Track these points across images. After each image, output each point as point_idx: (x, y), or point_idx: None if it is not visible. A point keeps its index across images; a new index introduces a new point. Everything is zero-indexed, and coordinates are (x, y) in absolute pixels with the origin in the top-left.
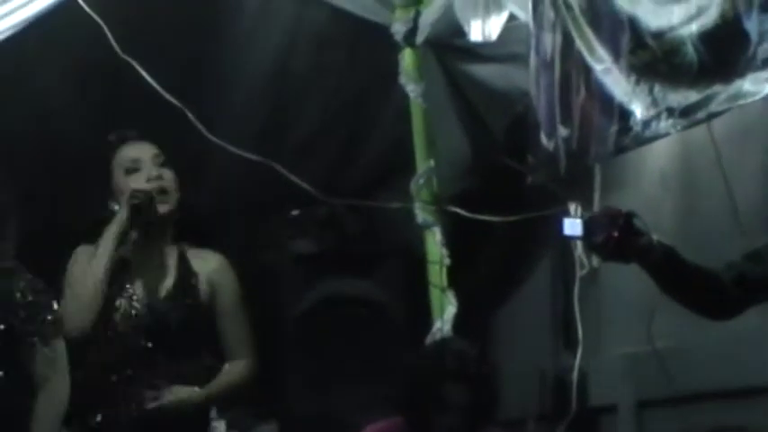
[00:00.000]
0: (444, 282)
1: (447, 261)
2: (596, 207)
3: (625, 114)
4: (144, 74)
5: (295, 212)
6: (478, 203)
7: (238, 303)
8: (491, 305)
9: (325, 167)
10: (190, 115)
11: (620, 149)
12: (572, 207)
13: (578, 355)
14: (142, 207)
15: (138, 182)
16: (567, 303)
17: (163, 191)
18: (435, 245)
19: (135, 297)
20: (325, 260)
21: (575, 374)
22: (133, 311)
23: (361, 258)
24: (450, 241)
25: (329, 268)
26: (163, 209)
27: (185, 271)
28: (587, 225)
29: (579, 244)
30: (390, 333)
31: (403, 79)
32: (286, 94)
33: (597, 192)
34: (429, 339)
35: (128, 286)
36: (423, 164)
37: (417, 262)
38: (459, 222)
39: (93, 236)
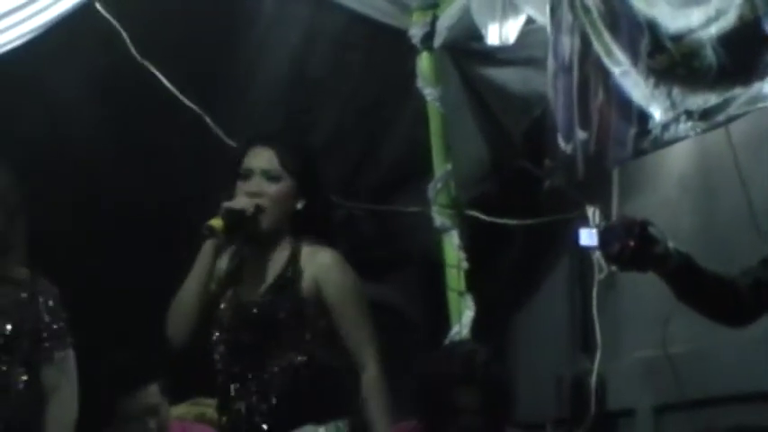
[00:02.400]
0: (462, 286)
1: (465, 265)
2: (614, 211)
3: (644, 117)
4: (162, 78)
5: None
6: (496, 207)
7: (349, 300)
8: (509, 309)
9: (341, 171)
10: (208, 120)
11: (639, 153)
12: (590, 211)
13: (597, 360)
14: (233, 226)
15: (245, 191)
16: (586, 307)
17: (259, 209)
18: (453, 249)
19: (237, 298)
20: None
21: (593, 378)
22: (233, 311)
23: (378, 263)
24: (468, 245)
25: None
26: (263, 223)
27: (290, 268)
28: (603, 235)
29: (597, 252)
30: (408, 338)
31: (420, 83)
32: (303, 99)
33: (615, 195)
34: (447, 342)
35: (234, 289)
36: (440, 168)
37: (435, 266)
38: (476, 226)
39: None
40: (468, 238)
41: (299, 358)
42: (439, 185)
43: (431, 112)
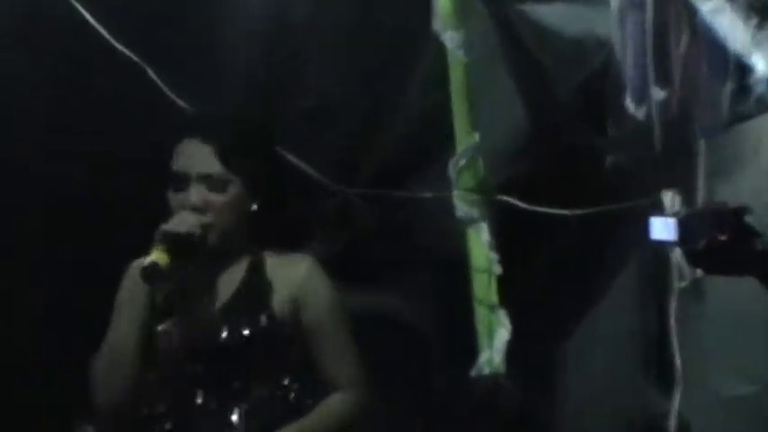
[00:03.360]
0: (494, 297)
1: (497, 269)
2: (701, 196)
3: (743, 70)
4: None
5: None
6: (539, 192)
7: (336, 319)
8: (557, 328)
9: (335, 146)
10: (151, 73)
11: (737, 118)
12: (667, 198)
13: (676, 396)
14: (180, 254)
15: (183, 205)
16: (661, 326)
17: (208, 228)
18: (481, 247)
19: (182, 325)
20: (336, 268)
21: (671, 421)
22: (178, 341)
23: (382, 264)
24: (502, 243)
25: (344, 278)
26: (213, 241)
27: (253, 282)
28: (684, 226)
29: (675, 249)
30: (422, 365)
31: (438, 25)
32: (284, 56)
33: (702, 175)
34: (474, 373)
35: (176, 315)
36: (464, 139)
37: (457, 270)
38: (513, 217)
39: None
40: (501, 233)
41: (271, 392)
42: (462, 162)
43: (452, 64)
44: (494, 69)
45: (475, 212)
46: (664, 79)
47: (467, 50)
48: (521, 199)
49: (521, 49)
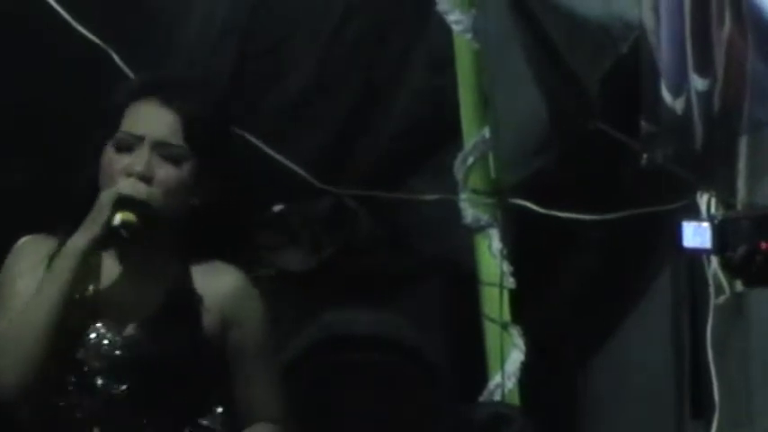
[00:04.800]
0: (507, 313)
1: (511, 282)
2: (740, 198)
3: None
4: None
5: (278, 208)
6: (558, 195)
7: (265, 342)
8: (579, 350)
9: (325, 142)
10: (115, 56)
11: None
12: (703, 201)
13: (714, 427)
14: (148, 219)
15: (123, 169)
16: (696, 347)
17: (149, 201)
18: (492, 257)
19: (106, 327)
20: (328, 281)
21: None
22: (103, 347)
23: (380, 277)
24: (516, 252)
25: (333, 293)
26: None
27: (182, 292)
28: (720, 232)
29: (712, 259)
30: (425, 390)
31: (443, 5)
32: (264, 35)
33: (743, 176)
34: (484, 400)
35: (100, 312)
36: (473, 134)
37: (465, 284)
38: (527, 224)
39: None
40: (515, 241)
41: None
42: (471, 161)
43: (459, 50)
44: (507, 56)
45: (485, 218)
46: (704, 67)
47: (477, 34)
48: (537, 203)
49: (539, 33)
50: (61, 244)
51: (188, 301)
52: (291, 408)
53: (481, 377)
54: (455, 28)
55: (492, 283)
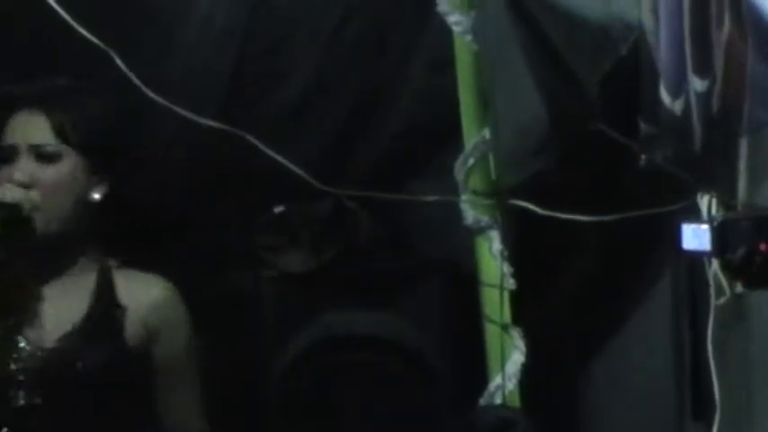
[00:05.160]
0: (507, 315)
1: (511, 284)
2: (741, 200)
3: None
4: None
5: (279, 209)
6: (558, 196)
7: (190, 357)
8: (580, 351)
9: (325, 143)
10: (117, 60)
11: None
12: (703, 201)
13: (715, 429)
14: (10, 223)
15: (8, 180)
16: (697, 349)
17: (32, 205)
18: (493, 258)
19: (28, 340)
20: (328, 282)
21: None
22: (24, 360)
23: (382, 279)
24: (516, 253)
25: (333, 294)
26: (38, 226)
27: (104, 301)
28: (719, 234)
29: (713, 260)
30: (424, 391)
31: (443, 6)
32: (264, 35)
33: (743, 177)
34: (484, 402)
35: (23, 325)
36: (473, 135)
37: (465, 285)
38: (528, 225)
39: None
40: (515, 243)
41: None
42: (471, 162)
43: (459, 51)
44: (507, 58)
45: (485, 219)
46: (704, 67)
47: (477, 35)
48: (538, 204)
49: (539, 34)
50: None
51: (111, 312)
52: (292, 408)
53: (481, 378)
54: (455, 29)
55: (492, 284)
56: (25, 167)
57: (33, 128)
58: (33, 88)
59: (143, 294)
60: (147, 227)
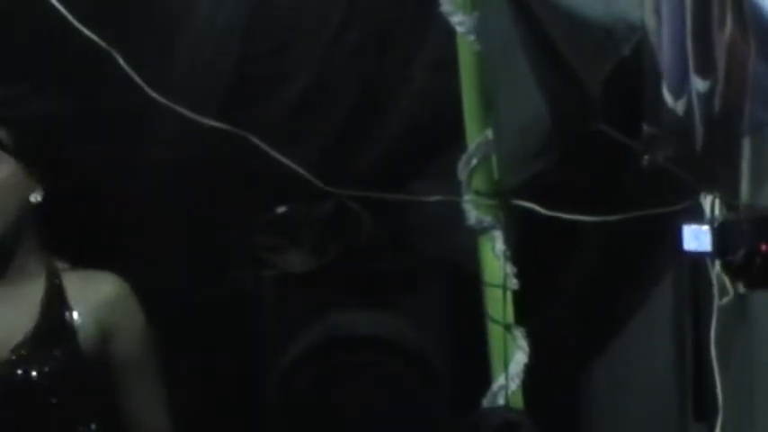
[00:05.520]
0: (510, 315)
1: (514, 284)
2: (744, 202)
3: None
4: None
5: (281, 210)
6: (561, 196)
7: (148, 353)
8: (583, 351)
9: (327, 143)
10: (120, 60)
11: None
12: (706, 201)
13: (717, 430)
14: None
15: None
16: (699, 349)
17: None
18: (496, 258)
19: None
20: (328, 282)
21: None
22: None
23: (383, 279)
24: (519, 254)
25: (335, 294)
26: None
27: (54, 306)
28: (719, 235)
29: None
30: (425, 391)
31: (446, 7)
32: (267, 36)
33: (746, 177)
34: (487, 402)
35: None
36: (476, 136)
37: (468, 285)
38: (531, 225)
39: None
40: (518, 243)
41: None
42: (474, 162)
43: (462, 51)
44: (511, 57)
45: (488, 219)
46: (706, 68)
47: (480, 36)
48: (540, 204)
49: (541, 34)
50: None
51: (62, 317)
52: (293, 408)
53: (483, 379)
54: (458, 29)
55: (495, 284)
56: None
57: None
58: None
59: (94, 293)
60: (97, 228)
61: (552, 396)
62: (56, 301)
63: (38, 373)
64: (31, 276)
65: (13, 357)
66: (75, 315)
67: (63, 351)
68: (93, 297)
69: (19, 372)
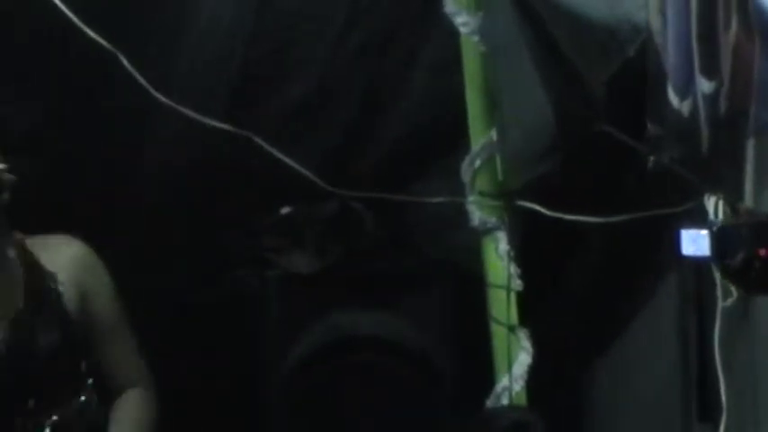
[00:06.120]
0: (514, 316)
1: (518, 285)
2: (748, 203)
3: None
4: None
5: (285, 211)
6: (565, 198)
7: (120, 308)
8: (586, 353)
9: (331, 144)
10: (124, 61)
11: None
12: (710, 203)
13: (721, 431)
14: None
15: None
16: (703, 350)
17: None
18: (499, 259)
19: None
20: (333, 283)
21: None
22: None
23: (387, 281)
24: (523, 255)
25: (338, 296)
26: None
27: (35, 272)
28: (718, 239)
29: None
30: (430, 393)
31: (450, 7)
32: (270, 36)
33: (750, 179)
34: (491, 403)
35: None
36: (480, 136)
37: (471, 286)
38: (534, 226)
39: None
40: (522, 244)
41: (72, 408)
42: (478, 163)
43: (466, 52)
44: (515, 58)
45: (492, 220)
46: (711, 68)
47: (485, 36)
48: (544, 205)
49: (546, 35)
50: None
51: (46, 283)
52: (297, 409)
53: (485, 380)
54: (462, 30)
55: (499, 285)
56: None
57: None
58: None
59: (62, 256)
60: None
61: (556, 397)
62: (35, 271)
63: (33, 345)
64: (8, 251)
65: (9, 331)
66: (55, 280)
67: (55, 315)
68: (63, 261)
69: (16, 344)
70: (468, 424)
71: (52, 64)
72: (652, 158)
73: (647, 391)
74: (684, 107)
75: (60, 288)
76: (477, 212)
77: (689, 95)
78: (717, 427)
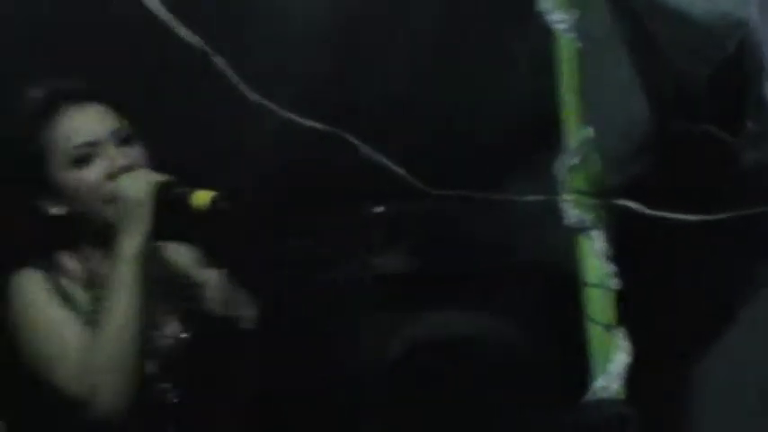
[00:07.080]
0: (611, 315)
1: (615, 283)
2: None
3: None
4: None
5: (378, 210)
6: (663, 195)
7: None
8: (688, 352)
9: (424, 142)
10: (217, 61)
11: None
12: None
13: None
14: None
15: (108, 175)
16: None
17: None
18: (596, 258)
19: (156, 329)
20: (427, 284)
21: None
22: (160, 350)
23: (483, 281)
24: (619, 253)
25: (432, 296)
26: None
27: (189, 274)
28: None
29: None
30: (527, 392)
31: (545, 5)
32: (361, 37)
33: None
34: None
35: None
36: (577, 135)
37: (567, 285)
38: (632, 224)
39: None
40: (618, 243)
41: None
42: (575, 161)
43: (561, 50)
44: (612, 55)
45: (588, 219)
46: None
47: (581, 34)
48: (641, 202)
49: (643, 32)
50: (48, 277)
51: (193, 279)
52: (391, 409)
53: (581, 379)
54: (557, 27)
55: (596, 284)
56: (117, 155)
57: (100, 115)
58: (68, 87)
59: (185, 258)
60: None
61: (654, 396)
62: (187, 268)
63: (210, 342)
64: (171, 254)
65: (184, 329)
66: (188, 276)
67: (200, 305)
68: (185, 261)
69: (195, 343)
70: (565, 418)
71: (145, 64)
72: (749, 156)
73: (754, 392)
74: None
75: (195, 281)
76: (574, 210)
77: None
78: None
